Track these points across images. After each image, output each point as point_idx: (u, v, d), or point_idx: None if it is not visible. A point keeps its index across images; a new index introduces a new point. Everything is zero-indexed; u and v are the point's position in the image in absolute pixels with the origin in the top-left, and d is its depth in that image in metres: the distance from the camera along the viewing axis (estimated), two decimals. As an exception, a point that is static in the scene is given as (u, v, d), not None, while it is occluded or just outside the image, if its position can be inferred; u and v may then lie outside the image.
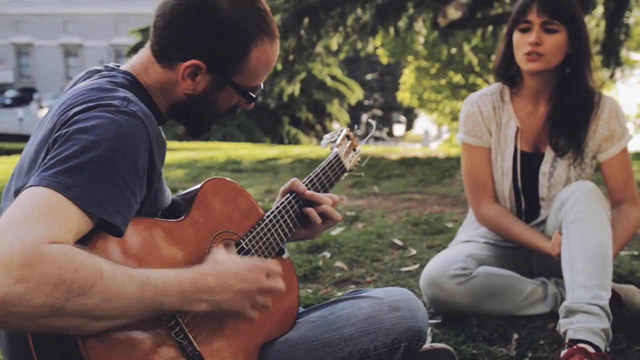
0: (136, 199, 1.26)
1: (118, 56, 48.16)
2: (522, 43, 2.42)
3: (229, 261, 1.33)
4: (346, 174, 1.97)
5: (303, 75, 11.02)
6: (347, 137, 2.01)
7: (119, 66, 1.52)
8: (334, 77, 23.01)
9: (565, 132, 2.49)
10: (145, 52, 1.50)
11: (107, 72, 1.47)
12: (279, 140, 23.14)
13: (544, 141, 2.55)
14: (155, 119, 1.36)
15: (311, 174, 1.81)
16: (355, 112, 34.91)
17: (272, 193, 5.50)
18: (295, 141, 23.50)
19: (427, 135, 38.40)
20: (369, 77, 40.89)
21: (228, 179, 1.62)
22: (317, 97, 23.42)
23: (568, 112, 2.48)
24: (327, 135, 2.00)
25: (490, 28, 10.05)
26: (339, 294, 2.83)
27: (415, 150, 11.92)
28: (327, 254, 3.43)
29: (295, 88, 11.68)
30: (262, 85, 1.57)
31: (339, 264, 3.27)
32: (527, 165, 2.57)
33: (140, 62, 1.49)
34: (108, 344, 1.16)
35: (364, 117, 41.05)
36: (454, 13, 8.85)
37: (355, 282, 3.03)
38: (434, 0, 9.52)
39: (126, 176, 1.21)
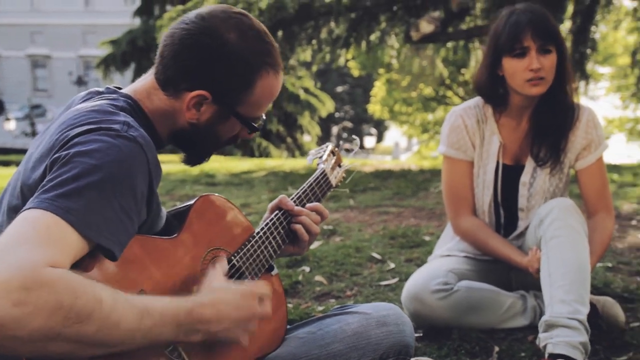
0: (133, 225, 1.25)
1: (87, 67, 47.59)
2: (520, 69, 2.43)
3: (225, 289, 1.33)
4: (332, 190, 1.98)
5: (277, 88, 11.00)
6: (332, 152, 2.02)
7: (120, 88, 1.52)
8: (306, 90, 23.01)
9: (546, 142, 2.55)
10: (148, 78, 1.51)
11: (108, 94, 1.47)
12: (249, 153, 23.02)
13: (525, 153, 2.61)
14: (155, 143, 1.36)
15: (299, 191, 1.82)
16: (325, 124, 34.95)
17: (248, 207, 5.48)
18: (265, 154, 23.39)
19: (397, 147, 38.62)
20: (339, 89, 41.01)
21: (218, 194, 1.63)
22: (288, 109, 23.40)
23: (549, 122, 2.53)
24: (313, 151, 2.02)
25: (462, 42, 10.19)
26: (320, 308, 2.84)
27: (388, 162, 11.98)
28: (307, 269, 3.44)
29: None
30: (264, 115, 1.59)
31: (318, 278, 3.27)
32: (508, 178, 2.62)
33: (143, 87, 1.50)
34: None
35: (335, 129, 41.13)
36: (426, 27, 8.95)
37: (336, 297, 3.04)
38: (407, 14, 9.63)
39: (124, 202, 1.21)
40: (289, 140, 25.37)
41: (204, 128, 1.50)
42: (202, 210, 1.53)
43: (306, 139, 26.11)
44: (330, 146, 2.03)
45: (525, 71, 2.42)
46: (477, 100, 2.68)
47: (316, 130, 25.48)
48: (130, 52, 16.85)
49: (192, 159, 1.64)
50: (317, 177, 1.88)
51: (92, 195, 1.16)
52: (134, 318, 1.12)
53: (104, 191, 1.18)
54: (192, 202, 1.54)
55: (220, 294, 1.31)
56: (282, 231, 1.71)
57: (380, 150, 42.56)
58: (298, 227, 1.72)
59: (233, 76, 1.44)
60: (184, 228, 1.46)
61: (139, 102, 1.47)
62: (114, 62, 16.90)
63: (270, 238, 1.68)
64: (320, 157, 1.97)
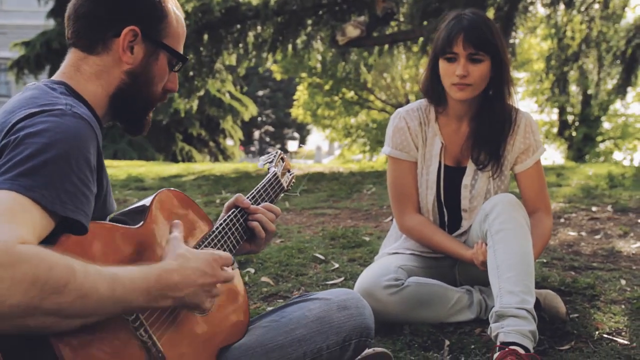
0: (93, 196, 1.29)
1: (-3, 70, 45.83)
2: (449, 73, 2.52)
3: (190, 255, 1.36)
4: (283, 194, 2.07)
5: (202, 92, 10.94)
6: (282, 159, 2.13)
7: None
8: (229, 94, 22.88)
9: (485, 147, 2.64)
10: (70, 56, 1.52)
11: (43, 85, 1.48)
12: (171, 157, 22.70)
13: (465, 156, 2.69)
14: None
15: (253, 191, 1.90)
16: (247, 128, 34.88)
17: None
18: (188, 158, 23.13)
19: (320, 151, 38.91)
20: (260, 93, 40.94)
21: (177, 189, 1.64)
22: (210, 113, 23.21)
23: (489, 129, 2.62)
24: (263, 157, 2.13)
25: (386, 47, 10.39)
26: (269, 308, 2.84)
27: (317, 165, 12.06)
28: (252, 270, 3.44)
29: (193, 104, 11.59)
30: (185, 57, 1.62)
31: (264, 279, 3.28)
32: (450, 179, 2.69)
33: (69, 65, 1.51)
34: (76, 344, 1.17)
35: (257, 133, 41.04)
36: (352, 31, 9.09)
37: (283, 297, 3.04)
38: (332, 18, 9.76)
39: (82, 174, 1.24)
40: (211, 144, 25.17)
41: (140, 72, 1.52)
42: (163, 203, 1.55)
43: (229, 142, 25.98)
44: (279, 153, 2.15)
45: (452, 75, 2.51)
46: (421, 102, 2.76)
47: (239, 134, 25.40)
48: (44, 54, 16.24)
49: (132, 124, 1.63)
50: (270, 179, 1.98)
51: (51, 171, 1.18)
52: (106, 286, 1.13)
53: (61, 166, 1.20)
54: (152, 197, 1.55)
55: (186, 261, 1.34)
56: (239, 228, 1.77)
57: (303, 154, 42.74)
58: (255, 224, 1.79)
59: (150, 6, 1.50)
60: (147, 219, 1.47)
61: (70, 83, 1.48)
62: (27, 64, 16.24)
63: (229, 234, 1.72)
64: (271, 162, 2.07)
